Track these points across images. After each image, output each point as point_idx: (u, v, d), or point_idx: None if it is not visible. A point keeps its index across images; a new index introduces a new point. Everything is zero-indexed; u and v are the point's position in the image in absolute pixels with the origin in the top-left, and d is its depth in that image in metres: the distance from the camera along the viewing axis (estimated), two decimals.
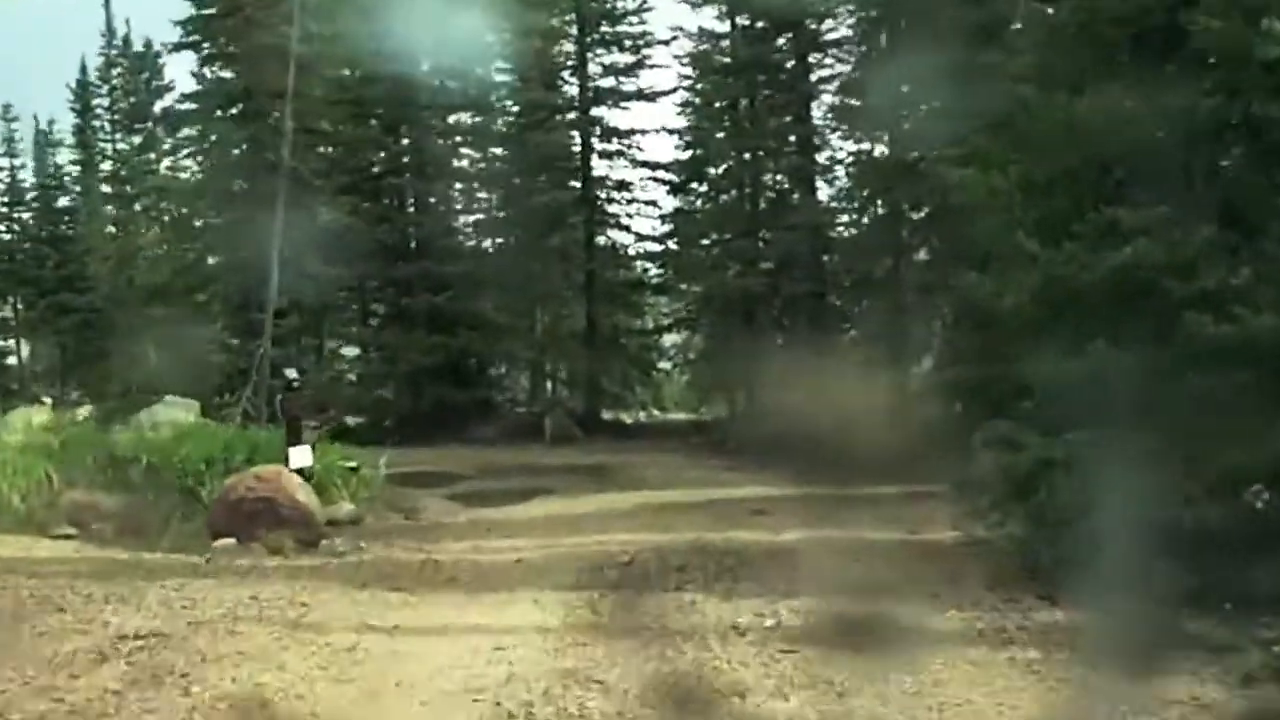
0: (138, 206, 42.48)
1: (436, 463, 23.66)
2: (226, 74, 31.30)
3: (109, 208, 46.13)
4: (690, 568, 11.33)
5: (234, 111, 30.05)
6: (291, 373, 16.49)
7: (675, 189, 30.38)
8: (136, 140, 48.07)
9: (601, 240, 30.89)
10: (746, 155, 28.40)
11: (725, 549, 12.42)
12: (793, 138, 28.75)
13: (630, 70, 30.17)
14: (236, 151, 30.18)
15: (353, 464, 17.92)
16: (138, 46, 45.38)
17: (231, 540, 13.18)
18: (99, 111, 48.82)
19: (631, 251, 31.33)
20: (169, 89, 42.16)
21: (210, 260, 32.68)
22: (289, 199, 30.33)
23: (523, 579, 11.15)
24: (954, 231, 23.45)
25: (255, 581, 10.70)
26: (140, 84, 47.57)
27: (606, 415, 31.09)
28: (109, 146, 49.25)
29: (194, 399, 31.06)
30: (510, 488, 20.00)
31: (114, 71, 48.29)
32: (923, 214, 25.67)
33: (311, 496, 13.64)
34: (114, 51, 47.76)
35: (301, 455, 15.75)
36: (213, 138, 31.66)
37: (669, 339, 32.50)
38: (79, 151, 48.44)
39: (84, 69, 47.79)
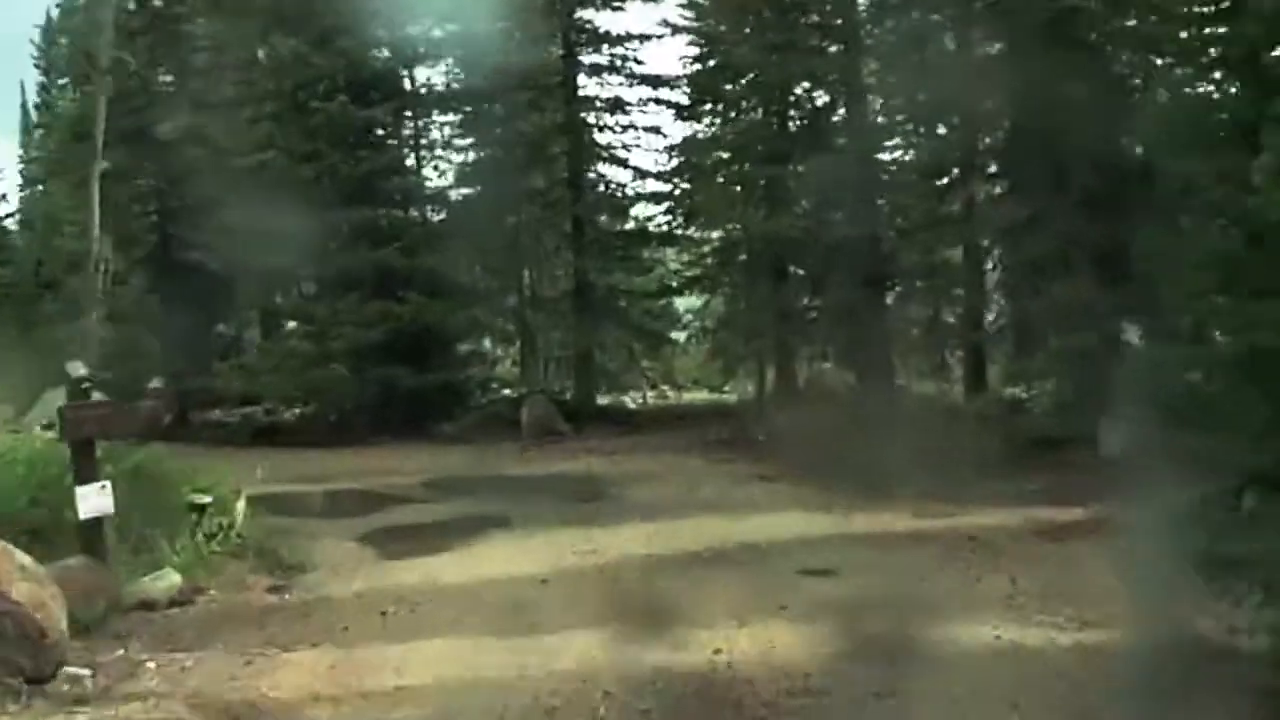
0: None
1: (371, 474, 18.50)
2: None
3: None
4: None
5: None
6: (78, 369, 10.89)
7: (683, 111, 24.75)
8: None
9: (591, 177, 25.09)
10: (774, 60, 22.45)
11: (769, 696, 6.85)
12: (833, 40, 22.82)
13: None
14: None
15: (203, 499, 12.46)
16: None
17: None
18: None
19: (630, 191, 25.58)
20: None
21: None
22: (196, 133, 25.18)
23: None
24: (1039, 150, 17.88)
25: None
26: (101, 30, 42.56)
27: (604, 399, 25.59)
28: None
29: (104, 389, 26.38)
30: (454, 517, 14.68)
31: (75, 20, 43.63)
32: (1000, 133, 20.00)
33: (46, 591, 8.11)
34: None
35: (95, 499, 10.32)
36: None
37: (682, 302, 26.82)
38: (41, 111, 44.26)
39: (50, 20, 43.26)
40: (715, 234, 25.10)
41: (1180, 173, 14.84)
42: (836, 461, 16.15)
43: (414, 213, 25.10)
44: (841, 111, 23.12)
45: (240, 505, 12.59)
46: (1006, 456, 16.10)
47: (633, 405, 26.51)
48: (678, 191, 25.26)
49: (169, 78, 27.57)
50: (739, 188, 24.34)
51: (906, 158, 22.16)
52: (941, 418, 19.45)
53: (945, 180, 20.83)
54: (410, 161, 25.64)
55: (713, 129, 24.99)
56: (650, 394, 28.63)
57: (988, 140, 20.19)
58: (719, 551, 11.40)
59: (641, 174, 25.25)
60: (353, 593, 10.87)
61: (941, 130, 20.96)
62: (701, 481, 16.20)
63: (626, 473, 17.22)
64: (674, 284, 26.08)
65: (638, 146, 25.12)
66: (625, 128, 25.05)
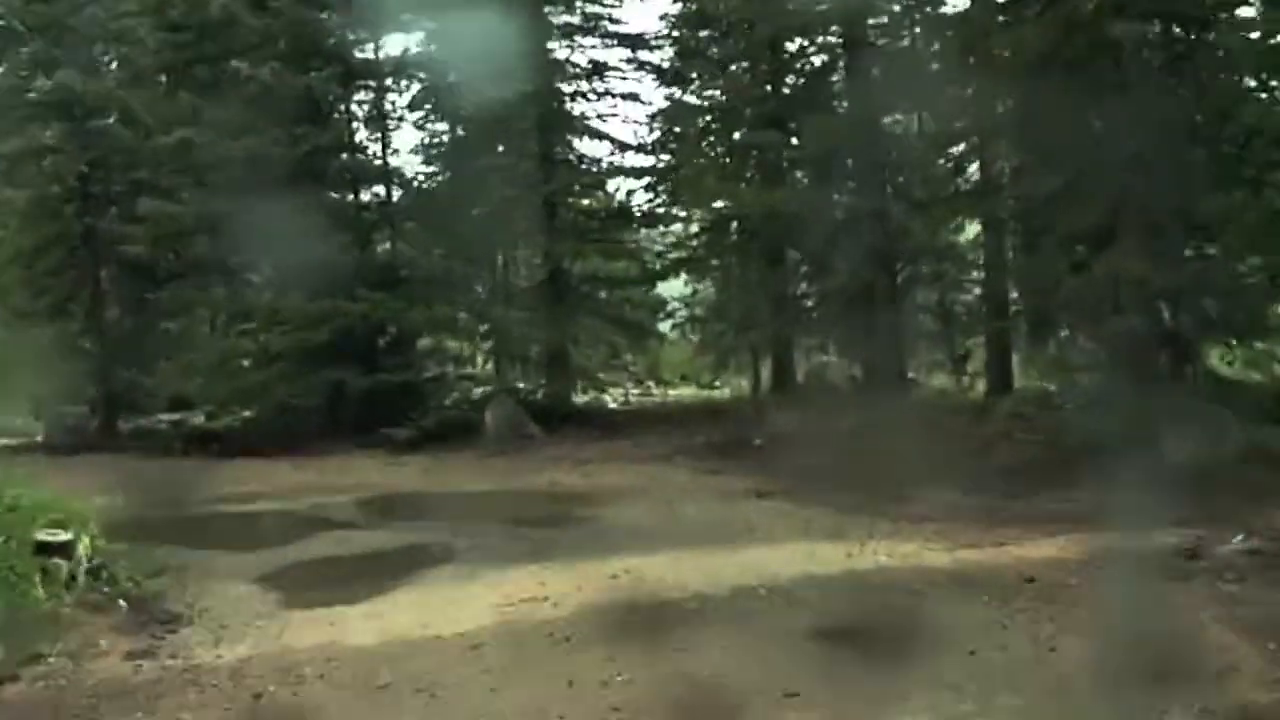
0: None
1: (305, 490, 16.29)
2: None
3: None
4: None
5: None
6: None
7: (666, 75, 22.13)
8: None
9: (564, 151, 22.48)
10: (766, 13, 19.93)
11: None
12: None
13: None
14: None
15: (59, 536, 9.98)
16: None
17: None
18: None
19: (606, 164, 22.97)
20: None
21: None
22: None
23: None
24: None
25: None
26: None
27: (583, 398, 23.16)
28: None
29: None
30: (387, 548, 12.38)
31: None
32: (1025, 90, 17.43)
33: None
34: None
35: None
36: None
37: (667, 289, 24.54)
38: None
39: None
40: (703, 211, 22.60)
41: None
42: (845, 473, 13.75)
43: (365, 195, 22.58)
44: (842, 71, 20.55)
45: (83, 544, 10.02)
46: (1048, 465, 13.69)
47: (614, 404, 24.09)
48: (661, 165, 22.78)
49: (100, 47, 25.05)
50: (728, 158, 21.84)
51: (917, 122, 19.56)
52: (964, 418, 16.98)
53: (961, 146, 18.37)
54: (360, 137, 23.06)
55: (699, 94, 22.47)
56: (634, 391, 26.24)
57: (1009, 100, 17.61)
58: (704, 600, 8.90)
59: (620, 146, 22.74)
60: (231, 661, 8.38)
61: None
62: (686, 498, 13.74)
63: (598, 488, 14.79)
64: (658, 269, 23.49)
65: (615, 116, 22.71)
66: (601, 95, 22.62)
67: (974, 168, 18.72)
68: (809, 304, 21.62)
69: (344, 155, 21.70)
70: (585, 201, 23.92)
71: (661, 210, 23.10)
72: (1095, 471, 12.72)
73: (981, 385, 18.99)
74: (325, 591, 10.35)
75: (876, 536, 10.80)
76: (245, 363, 21.62)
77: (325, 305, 19.88)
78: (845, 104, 20.30)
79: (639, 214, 23.29)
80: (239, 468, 18.42)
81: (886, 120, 19.77)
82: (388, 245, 22.56)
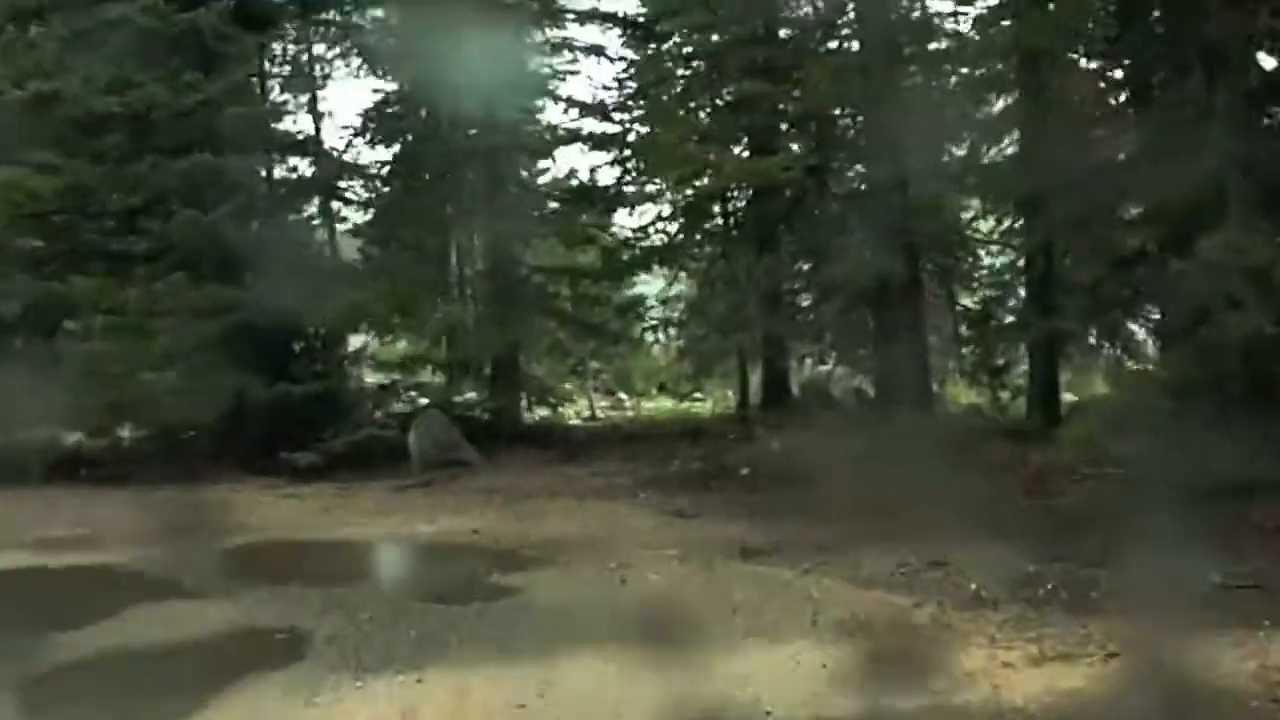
0: None
1: (165, 532, 12.60)
2: None
3: None
4: None
5: None
6: None
7: (635, 28, 18.87)
8: None
9: (512, 115, 19.21)
10: None
11: None
12: None
13: None
14: None
15: None
16: None
17: None
18: None
19: (564, 132, 19.61)
20: None
21: None
22: None
23: None
24: None
25: None
26: None
27: (542, 412, 20.09)
28: None
29: None
30: (220, 631, 9.18)
31: None
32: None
33: None
34: None
35: None
36: None
37: (642, 283, 21.27)
38: None
39: None
40: (680, 190, 19.24)
41: None
42: (857, 519, 10.56)
43: (277, 166, 19.32)
44: (849, 11, 17.27)
45: None
46: (1134, 515, 10.40)
47: (577, 420, 20.88)
48: (630, 136, 19.45)
49: None
50: (710, 120, 18.55)
51: (946, 69, 16.22)
52: (1007, 446, 13.72)
53: (1004, 99, 15.18)
54: (279, 100, 19.79)
55: (674, 47, 19.14)
56: (602, 404, 23.02)
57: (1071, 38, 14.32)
58: None
59: (583, 108, 19.38)
60: None
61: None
62: (647, 559, 10.34)
63: (533, 540, 11.43)
64: (626, 259, 20.09)
65: (574, 74, 19.48)
66: (558, 47, 19.26)
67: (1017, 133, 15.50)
68: (806, 301, 18.62)
69: (241, 111, 18.25)
70: (528, 170, 20.57)
71: (630, 188, 19.77)
72: (1204, 525, 9.51)
73: (1023, 403, 15.79)
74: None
75: (920, 635, 7.57)
76: (121, 369, 18.16)
77: (215, 293, 16.58)
78: (856, 48, 16.99)
79: (603, 192, 19.85)
80: (96, 499, 15.18)
81: (908, 68, 16.46)
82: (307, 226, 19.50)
